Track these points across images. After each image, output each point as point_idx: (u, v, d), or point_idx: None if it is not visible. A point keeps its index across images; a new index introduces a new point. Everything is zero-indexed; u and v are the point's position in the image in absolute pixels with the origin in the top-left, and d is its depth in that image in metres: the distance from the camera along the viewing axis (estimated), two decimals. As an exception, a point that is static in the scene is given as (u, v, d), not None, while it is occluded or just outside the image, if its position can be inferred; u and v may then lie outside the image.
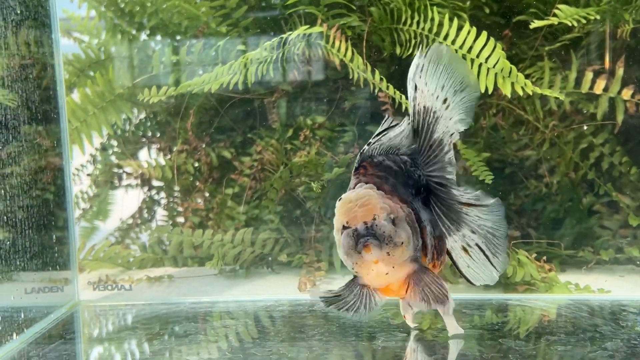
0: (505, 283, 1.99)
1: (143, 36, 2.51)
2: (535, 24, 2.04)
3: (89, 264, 2.24)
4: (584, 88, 2.15)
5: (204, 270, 2.24)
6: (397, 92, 2.05)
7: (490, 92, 1.99)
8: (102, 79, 2.35)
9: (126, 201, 2.61)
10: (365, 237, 1.28)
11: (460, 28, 2.02)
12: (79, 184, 2.58)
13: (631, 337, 1.55)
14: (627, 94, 2.08)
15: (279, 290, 2.10)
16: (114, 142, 2.59)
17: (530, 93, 1.97)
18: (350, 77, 2.13)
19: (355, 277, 1.42)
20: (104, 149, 2.59)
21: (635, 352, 1.46)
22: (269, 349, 1.53)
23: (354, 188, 1.37)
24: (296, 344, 1.57)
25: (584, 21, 2.05)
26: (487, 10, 2.22)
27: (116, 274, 2.25)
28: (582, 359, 1.41)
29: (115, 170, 2.58)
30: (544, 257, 2.05)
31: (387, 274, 1.32)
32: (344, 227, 1.31)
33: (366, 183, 1.37)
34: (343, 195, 1.34)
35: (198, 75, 2.27)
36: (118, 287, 2.09)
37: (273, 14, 2.42)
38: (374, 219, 1.29)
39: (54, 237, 2.00)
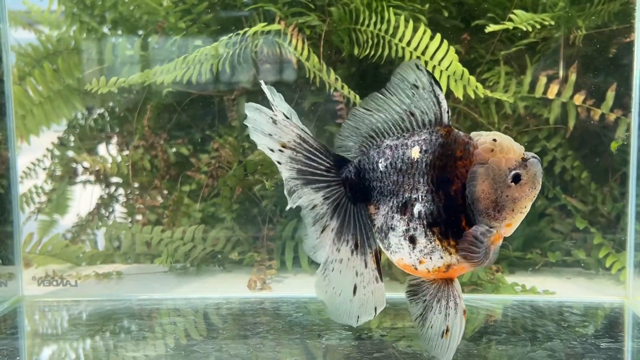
0: (453, 283, 2.00)
1: (105, 30, 2.49)
2: (491, 28, 2.06)
3: (36, 259, 2.20)
4: (538, 93, 2.17)
5: (154, 267, 2.23)
6: (352, 92, 2.06)
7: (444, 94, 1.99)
8: (51, 69, 2.31)
9: (83, 197, 2.58)
10: None
11: (415, 30, 2.03)
12: (35, 179, 2.55)
13: (571, 337, 1.58)
14: (578, 99, 2.11)
15: (229, 288, 2.09)
16: (72, 137, 2.56)
17: (482, 96, 1.99)
18: (307, 76, 2.13)
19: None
20: (62, 144, 2.56)
21: (575, 353, 1.48)
22: (211, 346, 1.52)
23: None
24: (241, 341, 1.57)
25: (538, 26, 2.08)
26: (446, 14, 2.24)
27: (64, 269, 2.21)
28: (521, 358, 1.43)
29: (73, 165, 2.55)
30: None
31: None
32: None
33: None
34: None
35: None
36: (63, 282, 2.06)
37: (234, 11, 2.41)
38: None
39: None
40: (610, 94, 2.07)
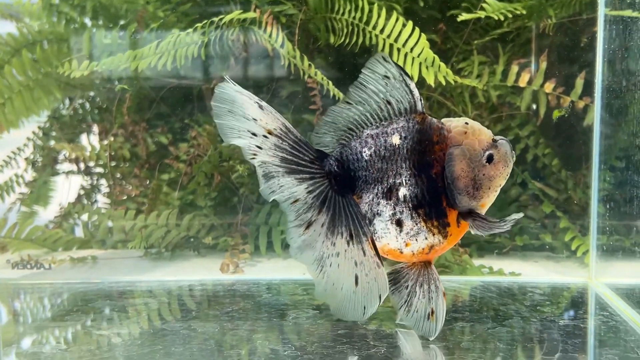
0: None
1: (85, 20, 2.50)
2: (463, 17, 2.10)
3: (12, 243, 2.22)
4: (510, 81, 2.20)
5: (129, 252, 2.25)
6: (325, 79, 2.08)
7: (415, 80, 2.02)
8: (29, 58, 2.33)
9: (64, 187, 2.59)
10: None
11: (389, 18, 2.06)
12: (16, 168, 2.56)
13: (532, 315, 1.61)
14: (549, 87, 2.15)
15: (202, 272, 2.12)
16: (51, 125, 2.57)
17: (452, 82, 2.02)
18: (282, 63, 2.15)
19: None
20: (43, 133, 2.57)
21: (535, 328, 1.51)
22: (180, 324, 1.55)
23: None
24: (210, 320, 1.60)
25: (510, 16, 2.11)
26: (422, 3, 2.27)
27: (39, 254, 2.23)
28: (480, 335, 1.46)
29: (53, 154, 2.56)
30: (458, 241, 2.10)
31: None
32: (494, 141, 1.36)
33: None
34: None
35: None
36: (37, 266, 2.08)
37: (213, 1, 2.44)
38: None
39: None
40: (580, 82, 2.10)
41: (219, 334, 1.49)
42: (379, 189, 1.33)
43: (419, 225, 1.33)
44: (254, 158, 1.31)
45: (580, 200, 2.21)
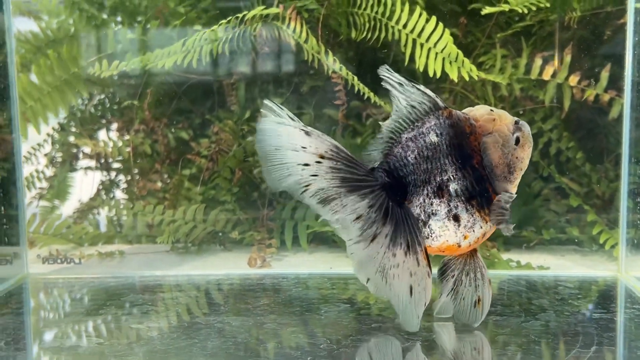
0: (449, 260, 2.04)
1: (104, 17, 2.51)
2: (487, 10, 2.09)
3: (40, 239, 2.24)
4: (534, 74, 2.20)
5: (156, 247, 2.26)
6: (350, 74, 2.08)
7: (438, 76, 2.03)
8: (56, 57, 2.34)
9: (84, 181, 2.60)
10: None
11: (412, 13, 2.06)
12: (36, 164, 2.57)
13: (564, 309, 1.61)
14: (573, 80, 2.14)
15: (230, 265, 2.13)
16: (72, 122, 2.58)
17: (476, 78, 2.02)
18: (305, 58, 2.15)
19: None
20: (62, 129, 2.58)
21: (568, 322, 1.51)
22: (214, 318, 1.56)
23: None
24: (244, 314, 1.61)
25: (534, 9, 2.10)
26: (443, -2, 2.27)
27: (68, 249, 2.25)
28: (516, 328, 1.47)
29: (74, 150, 2.57)
30: (487, 235, 2.10)
31: None
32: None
33: None
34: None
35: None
36: (67, 260, 2.09)
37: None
38: None
39: (5, 211, 2.00)
40: (605, 75, 2.10)
41: (254, 328, 1.50)
42: (428, 189, 1.34)
43: (474, 216, 1.35)
44: (306, 190, 1.28)
45: (604, 193, 2.21)
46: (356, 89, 2.09)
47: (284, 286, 1.87)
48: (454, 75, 2.02)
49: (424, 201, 1.34)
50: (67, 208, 2.54)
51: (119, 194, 2.56)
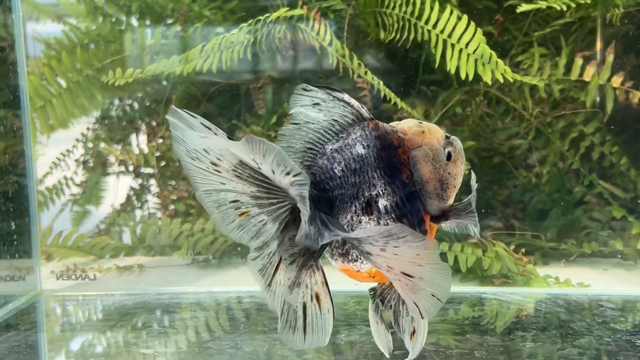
0: (481, 276, 1.93)
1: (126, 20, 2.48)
2: (523, 7, 1.98)
3: (58, 252, 2.21)
4: (574, 75, 2.07)
5: (176, 260, 2.21)
6: (375, 78, 1.99)
7: (471, 78, 1.92)
8: (70, 60, 2.31)
9: (112, 189, 2.59)
10: None
11: (442, 12, 1.96)
12: (66, 170, 2.57)
13: (605, 334, 1.49)
14: (617, 81, 2.01)
15: (251, 280, 2.06)
16: (98, 127, 2.57)
17: (511, 80, 1.90)
18: (330, 62, 2.07)
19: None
20: (93, 134, 2.57)
21: (607, 350, 1.40)
22: (232, 340, 1.50)
23: None
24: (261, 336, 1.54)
25: (574, 5, 1.98)
26: (478, -5, 2.16)
27: (86, 262, 2.21)
28: (550, 357, 1.36)
29: (102, 157, 2.56)
30: (523, 250, 1.99)
31: None
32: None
33: None
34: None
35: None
36: (82, 276, 2.05)
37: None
38: None
39: (16, 225, 1.98)
40: (651, 75, 1.96)
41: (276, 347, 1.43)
42: (356, 205, 1.18)
43: None
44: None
45: (651, 201, 2.08)
46: (382, 93, 2.00)
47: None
48: (487, 78, 1.91)
49: (352, 219, 1.18)
50: (100, 213, 2.52)
51: (149, 199, 2.53)
